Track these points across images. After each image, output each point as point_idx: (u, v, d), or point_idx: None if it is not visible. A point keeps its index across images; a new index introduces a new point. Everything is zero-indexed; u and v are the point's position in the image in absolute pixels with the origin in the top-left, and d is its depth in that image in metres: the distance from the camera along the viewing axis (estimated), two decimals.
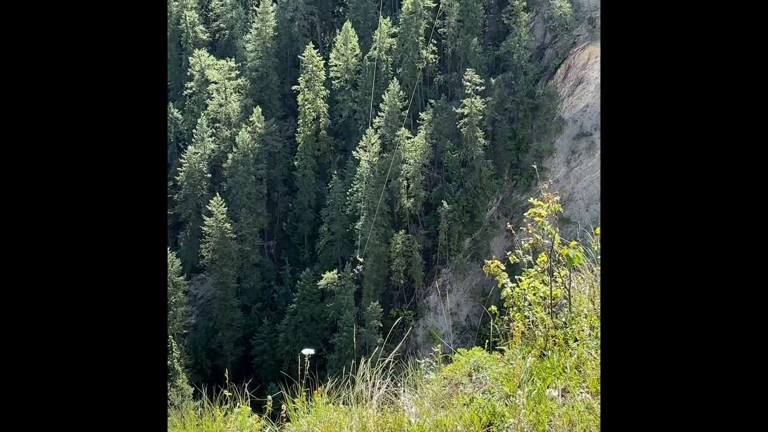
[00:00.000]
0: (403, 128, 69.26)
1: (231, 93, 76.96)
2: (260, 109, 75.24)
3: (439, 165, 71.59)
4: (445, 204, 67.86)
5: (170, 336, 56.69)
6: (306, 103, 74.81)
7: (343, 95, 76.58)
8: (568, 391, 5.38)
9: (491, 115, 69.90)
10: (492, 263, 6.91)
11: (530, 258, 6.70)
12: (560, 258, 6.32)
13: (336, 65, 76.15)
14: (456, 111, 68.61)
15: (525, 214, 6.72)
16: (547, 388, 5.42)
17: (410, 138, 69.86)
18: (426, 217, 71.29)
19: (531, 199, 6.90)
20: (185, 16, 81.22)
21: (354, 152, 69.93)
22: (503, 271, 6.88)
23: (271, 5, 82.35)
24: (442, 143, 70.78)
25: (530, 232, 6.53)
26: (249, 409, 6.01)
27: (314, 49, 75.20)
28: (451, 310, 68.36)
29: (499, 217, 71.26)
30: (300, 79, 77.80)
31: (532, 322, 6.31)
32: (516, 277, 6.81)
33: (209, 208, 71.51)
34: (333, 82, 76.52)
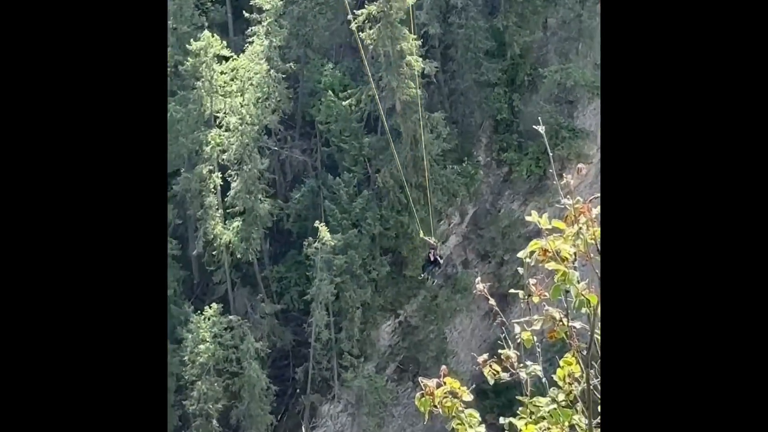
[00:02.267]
0: (207, 32, 58.31)
1: None
2: None
3: (308, 129, 62.58)
4: (323, 233, 55.37)
5: None
6: None
7: None
8: None
9: None
10: (437, 388, 6.76)
11: (539, 370, 6.73)
12: None
13: None
14: None
15: (521, 254, 6.49)
16: None
17: (228, 59, 59.04)
18: (276, 266, 61.29)
19: (534, 215, 6.47)
20: None
21: None
22: (467, 406, 6.83)
23: None
24: (313, 71, 61.10)
25: (538, 299, 6.47)
26: None
27: None
28: None
29: (466, 262, 62.39)
30: None
31: None
32: (505, 420, 6.94)
33: None
34: None
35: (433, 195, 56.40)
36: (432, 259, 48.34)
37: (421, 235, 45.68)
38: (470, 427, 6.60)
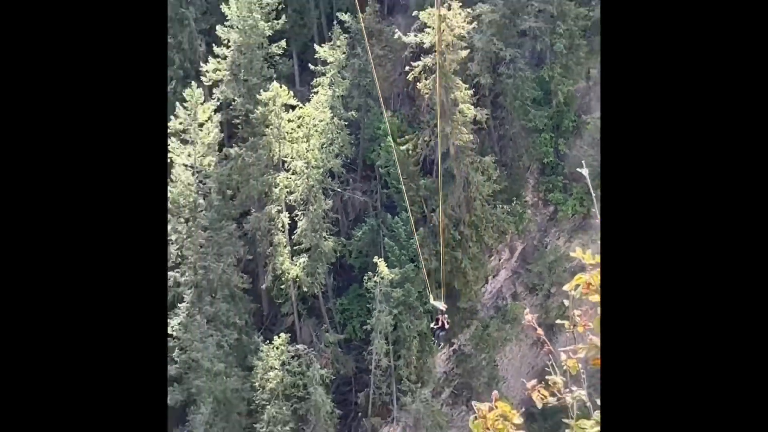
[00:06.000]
0: (276, 84, 60.39)
1: None
2: None
3: (368, 172, 65.44)
4: (382, 268, 58.36)
5: None
6: None
7: None
8: None
9: (489, 47, 62.78)
10: (489, 412, 6.75)
11: (584, 394, 6.70)
12: None
13: None
14: (405, 39, 61.24)
15: (567, 287, 6.68)
16: None
17: (294, 107, 60.82)
18: (339, 299, 64.68)
19: (578, 251, 6.80)
20: None
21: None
22: (518, 428, 6.76)
23: None
24: (373, 118, 63.79)
25: (582, 329, 6.54)
26: None
27: None
28: None
29: (515, 295, 65.76)
30: None
31: None
32: None
33: None
34: None
35: (485, 232, 59.90)
36: (440, 324, 48.13)
37: (431, 300, 48.35)
38: None
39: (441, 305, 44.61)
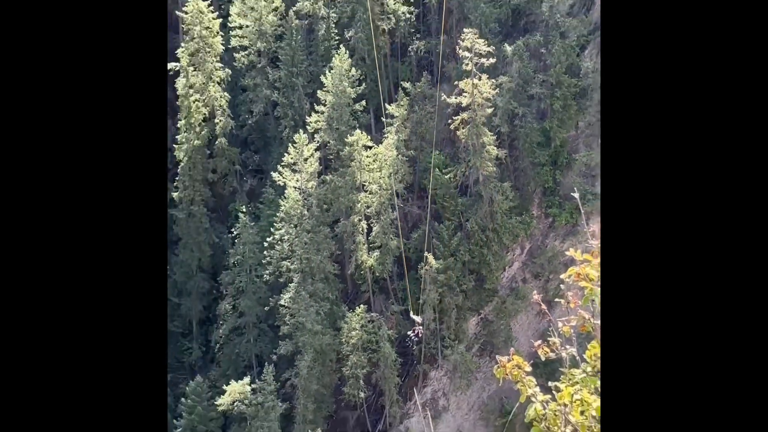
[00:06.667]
0: (358, 131, 68.87)
1: None
2: None
3: (422, 192, 70.15)
4: (430, 260, 66.43)
5: None
6: (191, 91, 71.94)
7: (254, 77, 75.20)
8: None
9: (507, 106, 68.60)
10: (507, 362, 7.68)
11: (574, 351, 7.60)
12: None
13: (241, 27, 74.55)
14: (448, 100, 66.81)
15: (563, 276, 7.54)
16: None
17: (371, 147, 69.19)
18: (401, 281, 70.03)
19: (571, 251, 7.67)
20: None
21: (275, 174, 68.78)
22: (527, 374, 7.68)
23: None
24: (425, 155, 69.35)
25: (573, 305, 7.38)
26: None
27: (204, 0, 74.24)
28: None
29: (525, 280, 71.14)
30: (180, 51, 73.73)
31: None
32: (552, 384, 7.60)
33: None
34: (236, 55, 74.87)
35: (503, 235, 67.77)
36: (415, 333, 51.83)
37: (411, 314, 52.29)
38: (529, 388, 7.52)
39: (418, 318, 49.53)
